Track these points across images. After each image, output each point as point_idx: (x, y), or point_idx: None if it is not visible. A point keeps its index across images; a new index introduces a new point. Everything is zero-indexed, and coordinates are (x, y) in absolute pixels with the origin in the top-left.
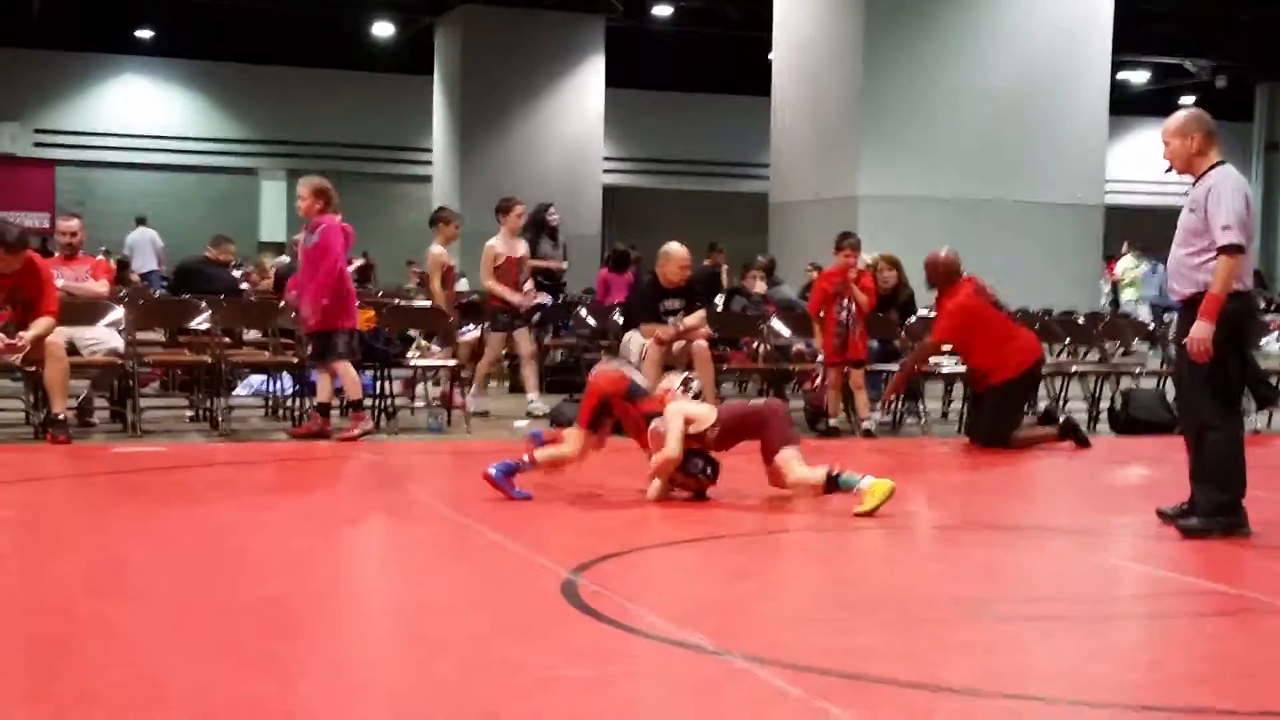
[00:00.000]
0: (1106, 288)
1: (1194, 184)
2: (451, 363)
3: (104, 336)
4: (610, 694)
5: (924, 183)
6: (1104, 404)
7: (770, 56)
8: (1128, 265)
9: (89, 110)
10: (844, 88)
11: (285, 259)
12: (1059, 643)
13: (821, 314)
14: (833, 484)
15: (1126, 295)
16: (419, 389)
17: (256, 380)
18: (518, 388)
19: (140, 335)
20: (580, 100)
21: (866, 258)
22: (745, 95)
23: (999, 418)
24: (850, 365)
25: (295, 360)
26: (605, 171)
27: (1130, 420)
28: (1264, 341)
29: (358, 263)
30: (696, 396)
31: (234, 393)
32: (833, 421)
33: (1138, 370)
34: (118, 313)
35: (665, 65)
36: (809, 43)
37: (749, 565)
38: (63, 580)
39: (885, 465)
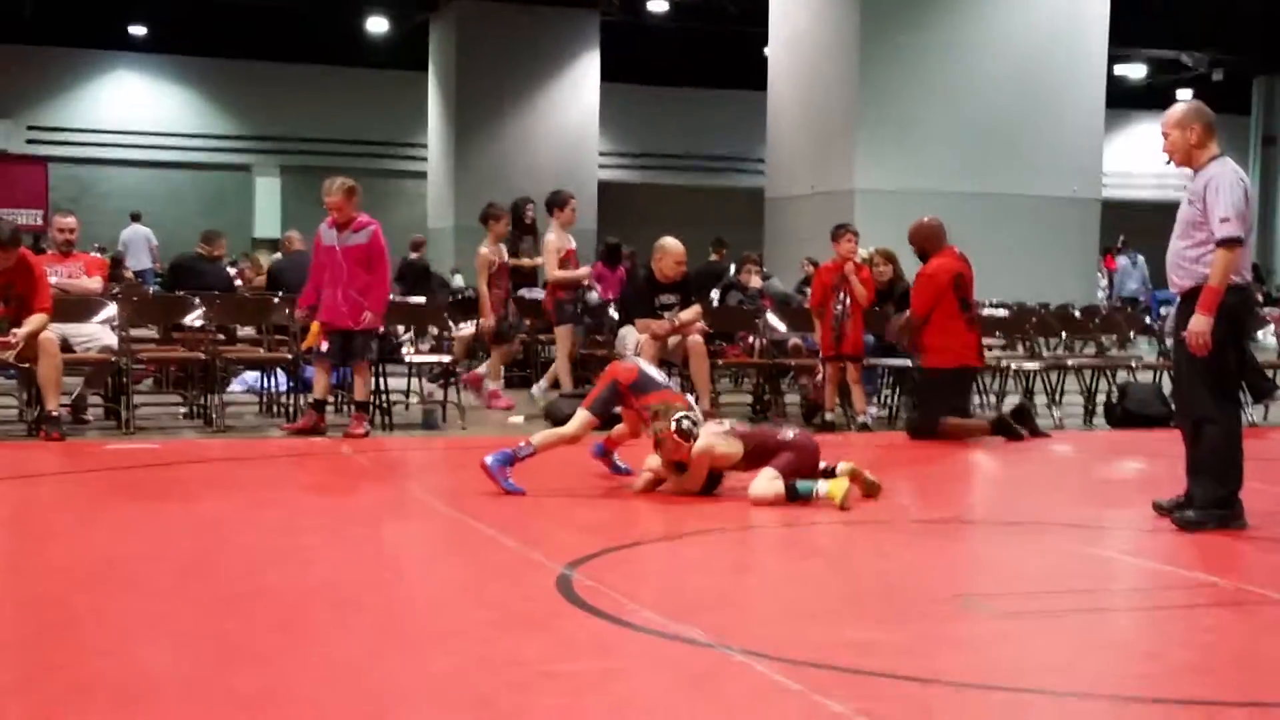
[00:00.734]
0: (1103, 281)
1: (1193, 177)
2: (446, 359)
3: (97, 333)
4: (607, 688)
5: (920, 176)
6: (1100, 398)
7: (766, 51)
8: None
9: (82, 107)
10: (840, 82)
11: (279, 255)
12: (1056, 636)
13: (822, 309)
14: (792, 493)
15: None
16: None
17: (250, 376)
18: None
19: (134, 332)
20: (575, 95)
21: (863, 252)
22: (741, 90)
23: (921, 407)
24: (846, 360)
25: (289, 356)
26: (600, 167)
27: (1126, 414)
28: (1260, 334)
29: None
30: (694, 425)
31: (228, 389)
32: (829, 416)
33: (1134, 363)
34: (111, 309)
35: (660, 60)
36: (805, 37)
37: (745, 560)
38: (56, 574)
39: (881, 460)
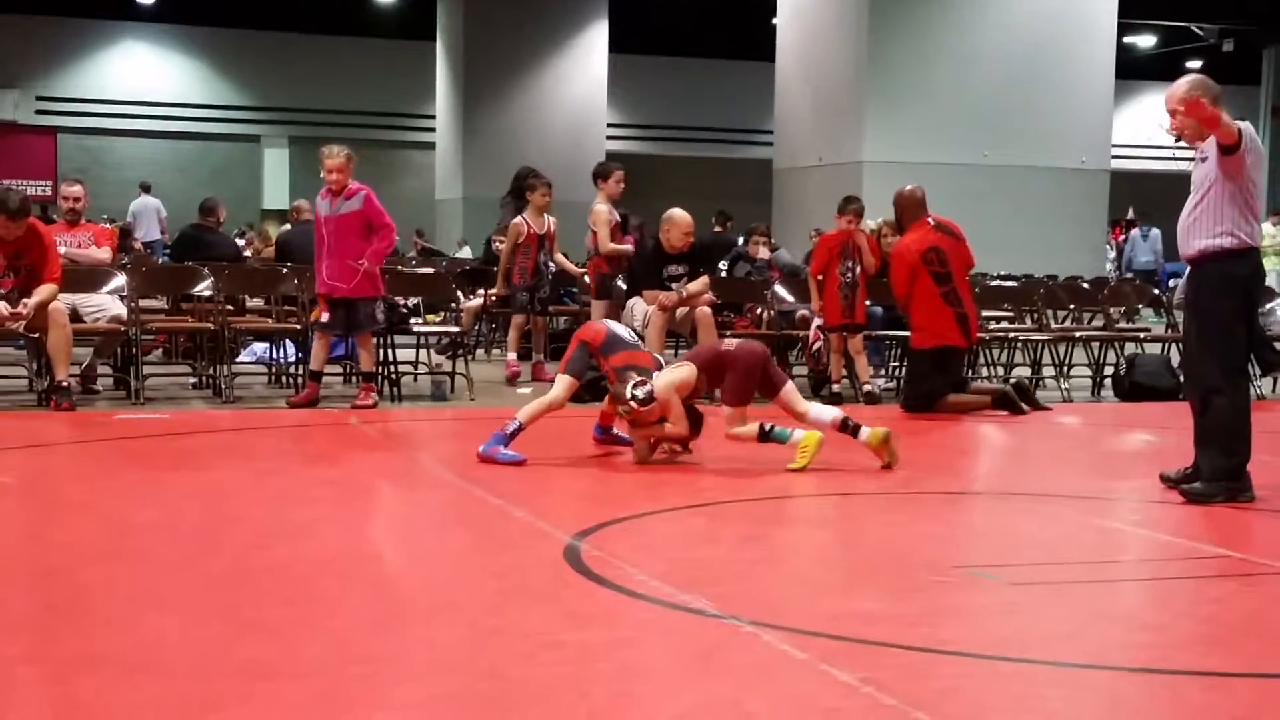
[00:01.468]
0: (1112, 253)
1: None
2: (455, 330)
3: (107, 303)
4: (615, 658)
5: (929, 147)
6: (1109, 370)
7: (774, 21)
8: (1269, 231)
9: (91, 77)
10: (849, 53)
11: (288, 227)
12: (1062, 607)
13: (821, 277)
14: (765, 436)
15: (1269, 264)
16: (421, 355)
17: (259, 347)
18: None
19: (143, 302)
20: (584, 65)
21: (871, 223)
22: (749, 60)
23: (909, 382)
24: (850, 330)
25: (298, 327)
26: (609, 138)
27: (1135, 386)
28: (1269, 306)
29: None
30: (649, 386)
31: (237, 360)
32: (835, 387)
33: (1142, 335)
34: (120, 279)
35: (669, 30)
36: (813, 8)
37: (752, 530)
38: (66, 545)
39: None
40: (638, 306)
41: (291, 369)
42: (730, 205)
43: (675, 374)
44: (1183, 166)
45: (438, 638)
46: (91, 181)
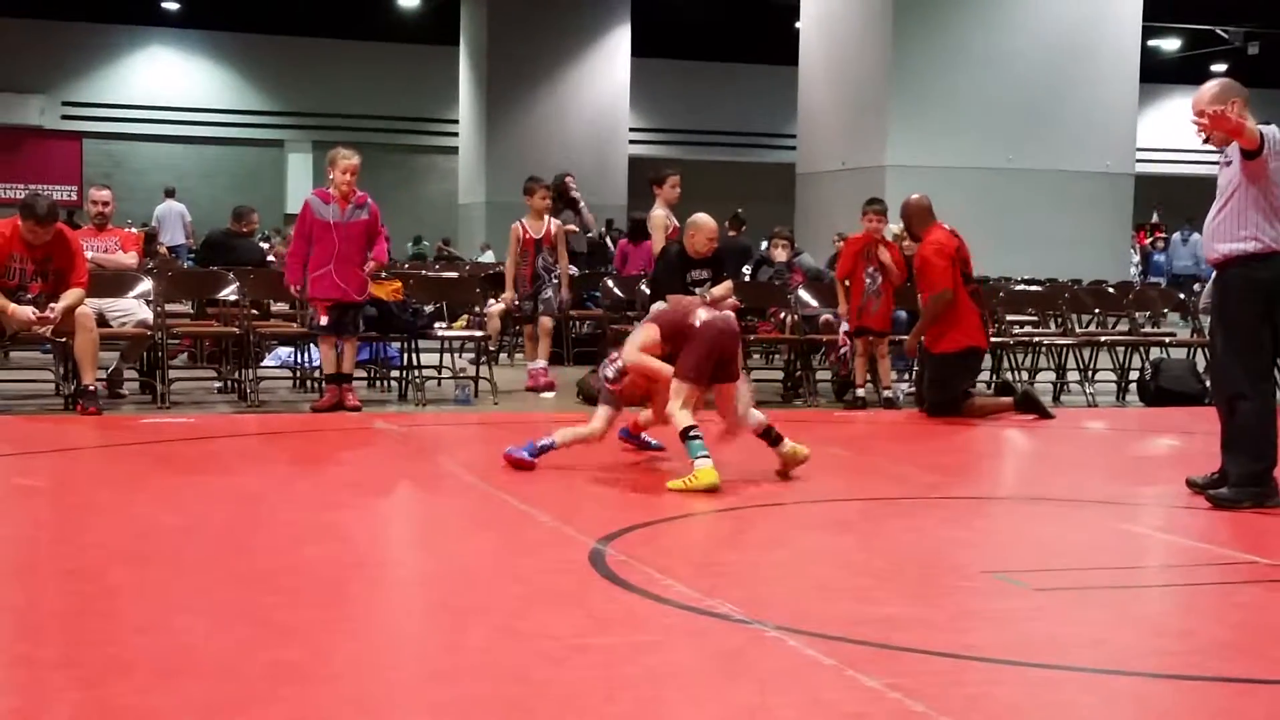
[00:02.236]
0: (1136, 257)
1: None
2: (479, 334)
3: (133, 308)
4: (640, 662)
5: (953, 151)
6: (1134, 374)
7: (797, 25)
8: None
9: (116, 83)
10: (872, 56)
11: None
12: (1089, 612)
13: (848, 281)
14: (767, 435)
15: None
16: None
17: (284, 352)
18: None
19: (169, 307)
20: (606, 70)
21: (894, 228)
22: (772, 65)
23: (933, 388)
24: (873, 334)
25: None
26: (631, 142)
27: (1160, 391)
28: None
29: None
30: (620, 366)
31: (262, 364)
32: (860, 392)
33: (1168, 340)
34: (146, 284)
35: (691, 34)
36: (837, 11)
37: (776, 535)
38: (95, 548)
39: (910, 434)
40: None
41: (316, 373)
42: (753, 209)
43: (637, 336)
44: (1206, 171)
45: (464, 641)
46: (116, 186)
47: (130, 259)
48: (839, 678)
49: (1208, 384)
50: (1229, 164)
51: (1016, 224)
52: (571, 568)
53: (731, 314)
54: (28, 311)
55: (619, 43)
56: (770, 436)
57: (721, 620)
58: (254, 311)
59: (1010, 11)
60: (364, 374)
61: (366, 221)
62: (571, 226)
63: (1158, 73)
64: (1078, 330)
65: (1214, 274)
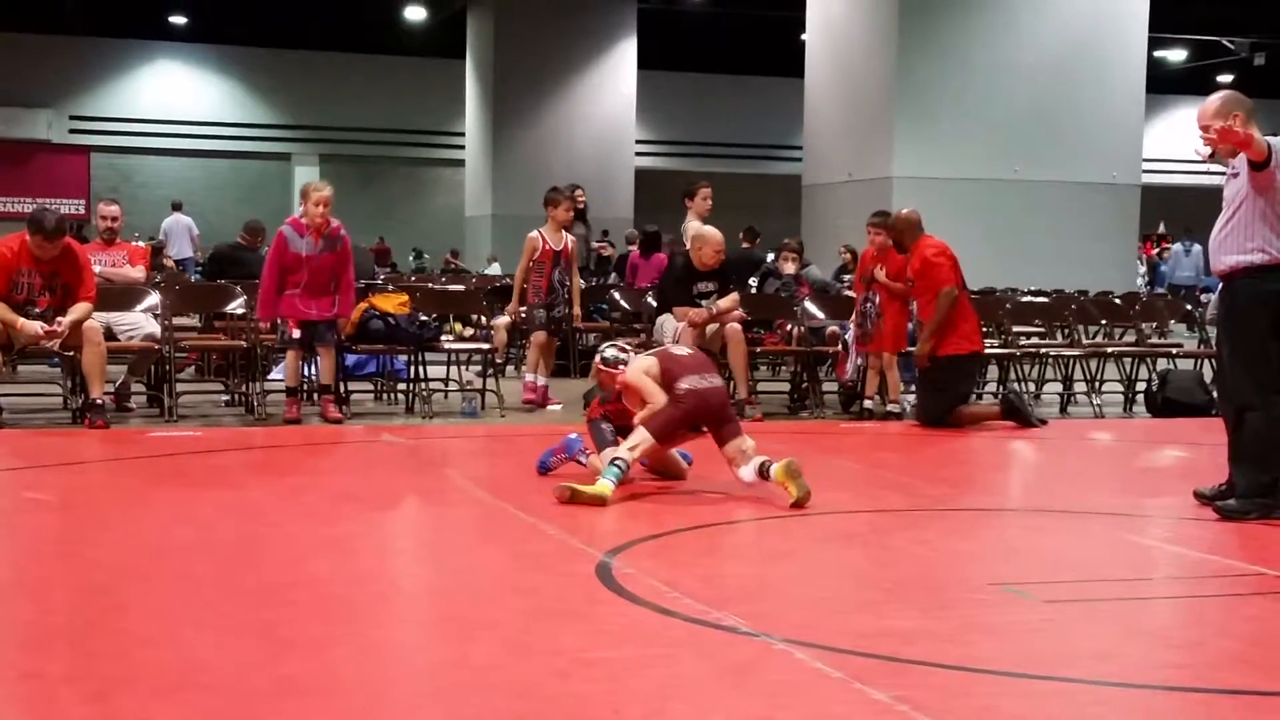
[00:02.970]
0: (1143, 268)
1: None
2: (485, 347)
3: (141, 321)
4: (648, 675)
5: (959, 163)
6: (1141, 385)
7: (803, 37)
8: None
9: (123, 97)
10: (878, 68)
11: None
12: (1097, 624)
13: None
14: (764, 473)
15: None
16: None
17: None
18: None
19: (176, 320)
20: (613, 83)
21: None
22: (778, 77)
23: (932, 393)
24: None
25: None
26: (638, 154)
27: (1167, 402)
28: None
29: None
30: (620, 353)
31: (269, 377)
32: (868, 403)
33: (1174, 351)
34: (154, 298)
35: (697, 47)
36: (842, 23)
37: (784, 547)
38: (102, 563)
39: (916, 446)
40: (668, 323)
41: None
42: (759, 221)
43: (643, 361)
44: (1212, 182)
45: (471, 655)
46: (124, 200)
47: (138, 273)
48: (847, 690)
49: (1215, 395)
50: (1235, 176)
51: (1023, 235)
52: (579, 581)
53: (719, 382)
54: (36, 326)
55: (625, 55)
56: (763, 472)
57: (729, 633)
58: (261, 325)
59: (1016, 23)
60: (370, 387)
61: (339, 255)
62: (579, 232)
63: (1164, 83)
64: (1084, 341)
65: (1220, 285)
